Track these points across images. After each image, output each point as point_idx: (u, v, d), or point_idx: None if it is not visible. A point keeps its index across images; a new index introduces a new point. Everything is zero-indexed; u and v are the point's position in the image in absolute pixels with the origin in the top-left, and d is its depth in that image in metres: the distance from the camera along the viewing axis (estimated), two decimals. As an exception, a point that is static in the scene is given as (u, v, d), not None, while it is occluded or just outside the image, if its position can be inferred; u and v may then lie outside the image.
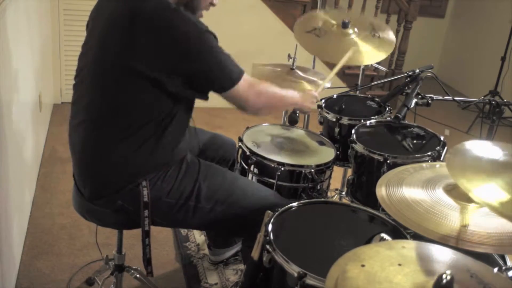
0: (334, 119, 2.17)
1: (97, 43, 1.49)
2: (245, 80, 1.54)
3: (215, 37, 1.47)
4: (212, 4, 1.58)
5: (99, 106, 1.50)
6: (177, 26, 1.40)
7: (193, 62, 1.44)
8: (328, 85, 2.13)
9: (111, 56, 1.44)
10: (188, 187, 1.58)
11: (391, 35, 2.21)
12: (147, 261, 1.64)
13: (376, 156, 1.83)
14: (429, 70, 2.07)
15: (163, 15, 1.40)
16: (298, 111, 1.92)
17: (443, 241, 1.04)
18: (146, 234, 1.57)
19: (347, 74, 4.39)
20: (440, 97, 1.91)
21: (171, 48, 1.40)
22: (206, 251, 2.32)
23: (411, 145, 1.90)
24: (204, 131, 2.00)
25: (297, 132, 2.14)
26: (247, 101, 1.58)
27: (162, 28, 1.39)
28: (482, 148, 1.17)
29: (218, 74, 1.49)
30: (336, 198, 2.52)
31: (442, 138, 1.93)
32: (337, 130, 2.16)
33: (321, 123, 2.28)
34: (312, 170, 1.83)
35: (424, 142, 1.94)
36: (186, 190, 1.58)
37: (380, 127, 2.08)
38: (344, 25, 2.18)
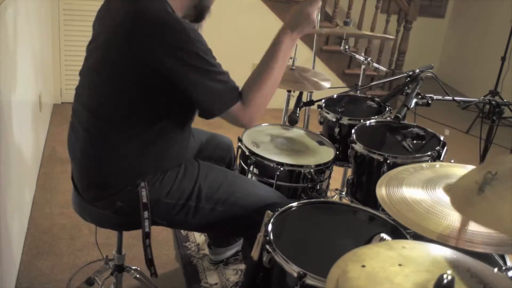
0: (334, 119, 2.17)
1: (100, 47, 1.49)
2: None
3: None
4: None
5: (100, 112, 1.49)
6: (174, 26, 1.37)
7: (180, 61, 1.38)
8: None
9: (111, 60, 1.43)
10: (188, 188, 1.58)
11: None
12: (150, 262, 1.63)
13: (376, 156, 1.83)
14: (429, 70, 2.06)
15: (162, 19, 1.38)
16: (298, 110, 1.89)
17: (443, 241, 1.04)
18: (146, 235, 1.57)
19: (347, 74, 4.40)
20: (440, 97, 1.91)
21: (162, 41, 1.36)
22: (206, 251, 2.32)
23: (411, 145, 1.90)
24: (201, 131, 1.99)
25: (297, 132, 2.13)
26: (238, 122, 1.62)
27: (160, 29, 1.37)
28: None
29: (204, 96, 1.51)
30: (336, 198, 2.52)
31: (442, 138, 1.93)
32: (337, 130, 2.16)
33: (321, 123, 2.28)
34: (312, 170, 1.82)
35: (424, 142, 1.94)
36: (186, 190, 1.57)
37: (380, 127, 2.08)
38: (346, 23, 2.19)
